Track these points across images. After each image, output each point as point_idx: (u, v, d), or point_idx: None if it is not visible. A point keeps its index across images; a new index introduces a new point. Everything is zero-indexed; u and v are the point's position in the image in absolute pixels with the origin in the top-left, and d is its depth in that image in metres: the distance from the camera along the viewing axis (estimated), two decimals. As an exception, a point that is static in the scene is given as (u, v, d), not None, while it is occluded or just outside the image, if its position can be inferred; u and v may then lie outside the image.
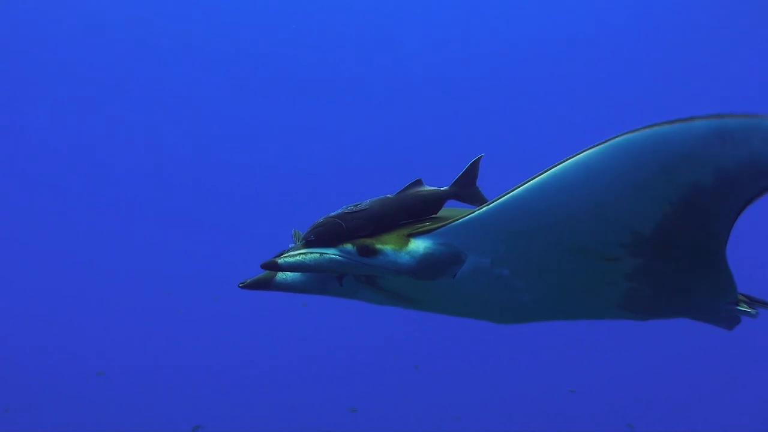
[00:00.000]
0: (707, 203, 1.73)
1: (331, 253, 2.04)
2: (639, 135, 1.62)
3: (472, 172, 2.33)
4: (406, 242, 2.02)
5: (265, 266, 2.08)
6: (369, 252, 2.01)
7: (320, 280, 2.36)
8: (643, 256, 1.95)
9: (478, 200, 2.35)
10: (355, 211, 2.05)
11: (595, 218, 1.84)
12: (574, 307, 2.34)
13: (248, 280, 2.33)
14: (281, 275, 2.34)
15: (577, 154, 1.71)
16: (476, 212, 1.92)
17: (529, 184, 1.79)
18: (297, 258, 2.04)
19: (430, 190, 2.24)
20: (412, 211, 2.17)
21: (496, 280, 2.12)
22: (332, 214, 2.08)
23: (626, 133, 1.64)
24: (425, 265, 2.02)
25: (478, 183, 2.39)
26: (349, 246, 2.02)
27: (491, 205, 1.87)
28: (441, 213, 2.30)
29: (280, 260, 2.05)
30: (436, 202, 2.24)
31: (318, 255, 2.04)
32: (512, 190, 1.82)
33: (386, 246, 2.01)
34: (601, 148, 1.68)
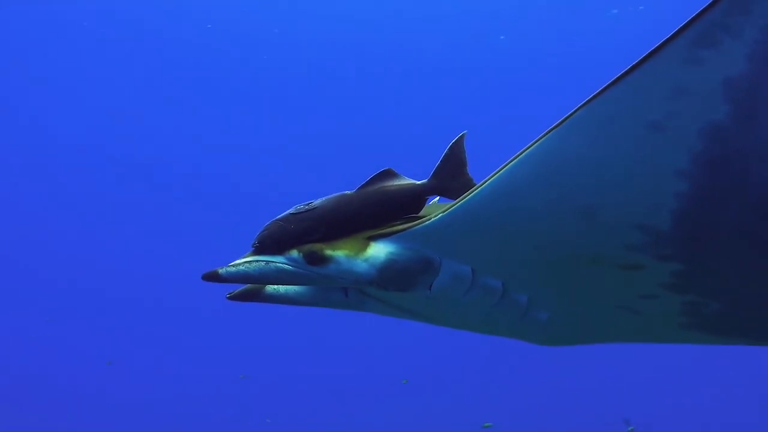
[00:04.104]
0: (738, 149, 1.27)
1: (278, 261, 1.73)
2: (600, 99, 1.24)
3: (455, 156, 1.83)
4: (365, 247, 1.69)
5: (206, 278, 1.80)
6: (317, 259, 1.69)
7: (320, 290, 2.03)
8: (677, 259, 1.53)
9: None
10: (303, 212, 1.73)
11: (577, 217, 1.45)
12: (624, 328, 1.93)
13: (236, 291, 2.03)
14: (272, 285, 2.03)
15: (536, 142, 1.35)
16: (444, 212, 1.58)
17: (491, 179, 1.45)
18: (240, 268, 1.75)
19: (401, 184, 1.84)
20: (379, 211, 1.79)
21: (489, 294, 1.76)
22: (281, 216, 1.77)
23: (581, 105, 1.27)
24: (389, 275, 1.69)
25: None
26: (295, 253, 1.71)
27: (459, 203, 1.53)
28: (427, 211, 1.89)
29: (222, 270, 1.77)
30: (410, 199, 1.82)
31: (263, 264, 1.74)
32: (479, 186, 1.48)
33: (338, 252, 1.69)
34: (556, 130, 1.30)
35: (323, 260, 1.69)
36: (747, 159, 1.29)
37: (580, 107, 1.27)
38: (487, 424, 9.09)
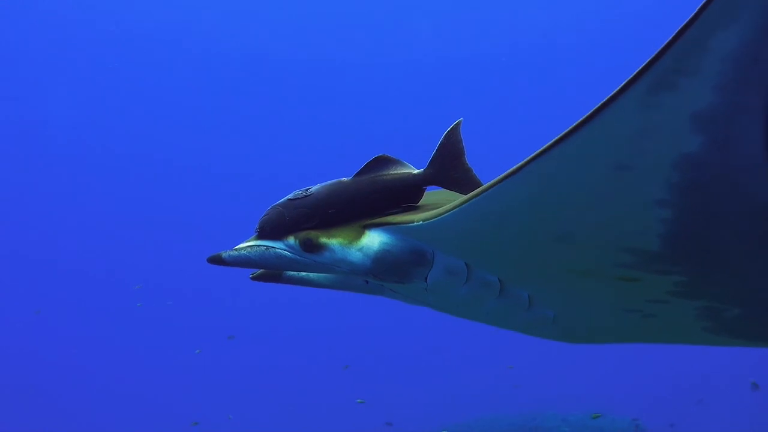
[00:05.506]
0: (720, 170, 1.18)
1: (277, 247, 1.76)
2: (559, 147, 1.19)
3: (451, 145, 1.72)
4: (359, 236, 1.69)
5: (210, 260, 1.86)
6: (312, 247, 1.71)
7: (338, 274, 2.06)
8: (676, 273, 1.47)
9: (469, 185, 1.71)
10: (300, 198, 1.74)
11: (560, 241, 1.42)
12: (642, 330, 1.87)
13: (258, 272, 2.08)
14: None
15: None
16: (435, 217, 1.55)
17: (475, 195, 1.43)
18: (242, 252, 1.79)
19: (397, 173, 1.77)
20: (375, 199, 1.76)
21: (487, 288, 1.74)
22: (280, 201, 1.80)
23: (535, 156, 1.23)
24: (383, 266, 1.69)
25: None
26: (292, 239, 1.74)
27: (448, 211, 1.50)
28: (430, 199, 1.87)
29: (225, 254, 1.82)
30: (404, 189, 1.76)
31: (264, 249, 1.77)
32: (468, 198, 1.47)
33: (334, 240, 1.70)
34: (524, 168, 1.26)
35: (318, 248, 1.71)
36: (733, 174, 1.21)
37: (544, 150, 1.23)
38: (595, 415, 9.04)
